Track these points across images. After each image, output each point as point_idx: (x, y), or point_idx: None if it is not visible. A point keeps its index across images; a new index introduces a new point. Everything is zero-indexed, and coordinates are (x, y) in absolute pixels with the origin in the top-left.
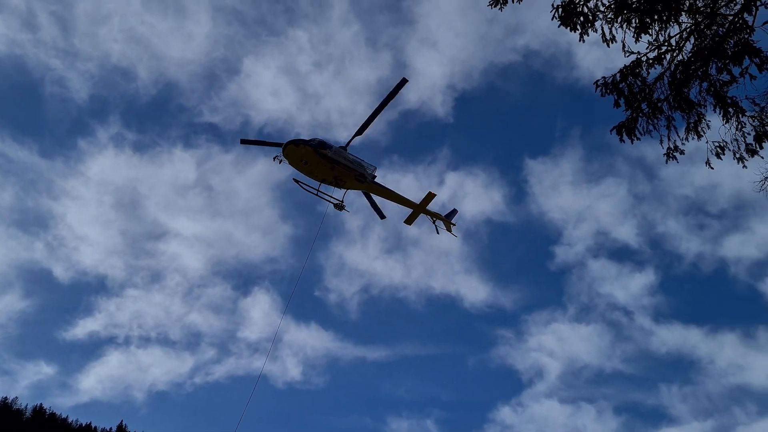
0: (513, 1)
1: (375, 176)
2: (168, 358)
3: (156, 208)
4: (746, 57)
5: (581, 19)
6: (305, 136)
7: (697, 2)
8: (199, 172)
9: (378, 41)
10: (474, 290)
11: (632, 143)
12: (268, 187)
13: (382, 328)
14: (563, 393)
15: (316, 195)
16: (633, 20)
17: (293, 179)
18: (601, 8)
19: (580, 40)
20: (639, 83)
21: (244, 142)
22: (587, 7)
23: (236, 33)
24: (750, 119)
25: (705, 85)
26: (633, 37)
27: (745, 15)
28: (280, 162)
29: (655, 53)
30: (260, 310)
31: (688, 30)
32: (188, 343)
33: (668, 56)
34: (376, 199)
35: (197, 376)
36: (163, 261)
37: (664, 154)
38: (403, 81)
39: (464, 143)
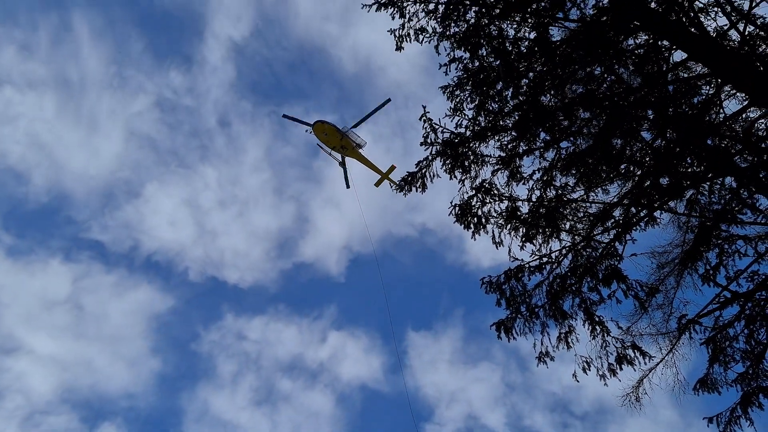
0: (416, 190)
1: (362, 147)
2: None
3: (15, 318)
4: (614, 281)
5: (475, 220)
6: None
7: (577, 225)
8: (73, 288)
9: (284, 192)
10: None
11: (509, 342)
12: (145, 316)
13: None
14: None
15: (329, 155)
16: (520, 230)
17: (317, 144)
18: (494, 214)
19: (472, 238)
20: (520, 287)
21: (286, 116)
22: (482, 211)
23: (146, 158)
24: (614, 340)
25: (577, 300)
26: (519, 245)
27: (617, 244)
28: (310, 133)
29: (537, 263)
30: None
31: (567, 247)
32: None
33: (548, 267)
34: (358, 165)
35: None
36: (7, 379)
37: (536, 357)
38: (387, 101)
39: (351, 305)
